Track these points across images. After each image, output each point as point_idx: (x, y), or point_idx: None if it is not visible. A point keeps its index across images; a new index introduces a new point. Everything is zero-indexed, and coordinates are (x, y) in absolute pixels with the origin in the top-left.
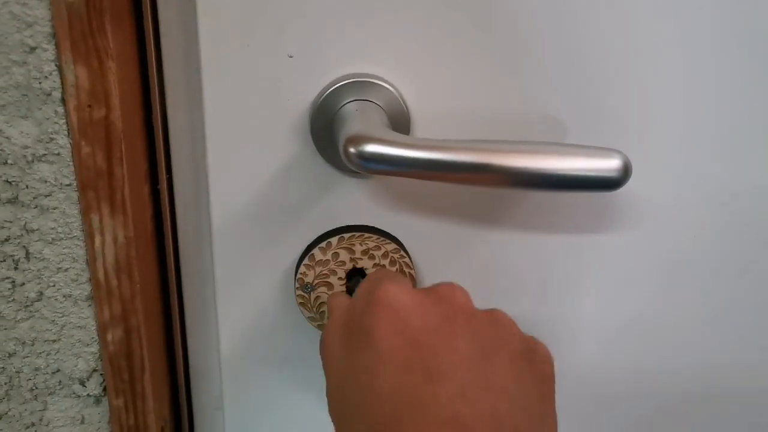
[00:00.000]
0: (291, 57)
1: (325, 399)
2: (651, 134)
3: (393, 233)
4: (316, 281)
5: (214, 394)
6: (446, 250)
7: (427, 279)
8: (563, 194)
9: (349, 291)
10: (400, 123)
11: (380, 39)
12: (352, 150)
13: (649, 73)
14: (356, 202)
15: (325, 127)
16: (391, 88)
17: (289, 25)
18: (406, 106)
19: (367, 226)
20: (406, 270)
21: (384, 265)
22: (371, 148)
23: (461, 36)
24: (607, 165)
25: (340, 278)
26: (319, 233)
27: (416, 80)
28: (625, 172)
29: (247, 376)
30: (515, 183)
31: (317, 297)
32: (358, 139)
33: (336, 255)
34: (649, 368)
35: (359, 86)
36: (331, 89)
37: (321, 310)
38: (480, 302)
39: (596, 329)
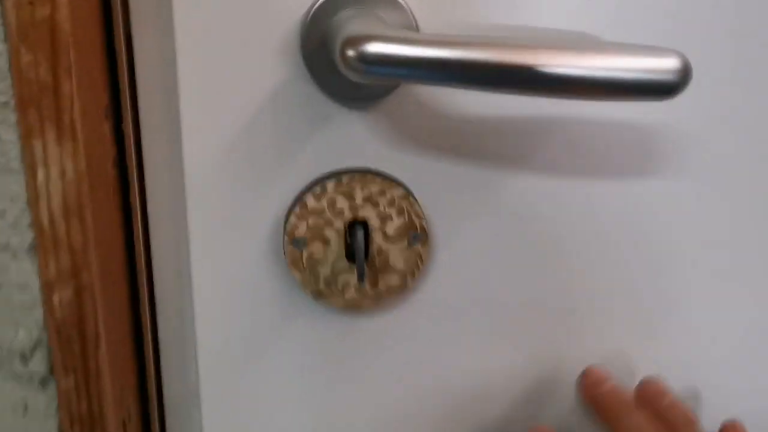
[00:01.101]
0: None
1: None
2: None
3: (399, 177)
4: (308, 235)
5: (189, 381)
6: (462, 197)
7: (439, 231)
8: (600, 125)
9: (349, 249)
10: None
11: None
12: (350, 53)
13: None
14: (356, 140)
15: (318, 46)
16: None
17: None
18: (413, 18)
19: (369, 168)
20: (416, 220)
21: (390, 215)
22: (374, 47)
23: None
24: (661, 64)
25: (337, 231)
26: (312, 177)
27: None
28: (684, 74)
29: (228, 358)
30: (546, 86)
31: (311, 254)
32: (358, 39)
33: (332, 202)
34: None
35: None
36: None
37: (316, 270)
38: (503, 259)
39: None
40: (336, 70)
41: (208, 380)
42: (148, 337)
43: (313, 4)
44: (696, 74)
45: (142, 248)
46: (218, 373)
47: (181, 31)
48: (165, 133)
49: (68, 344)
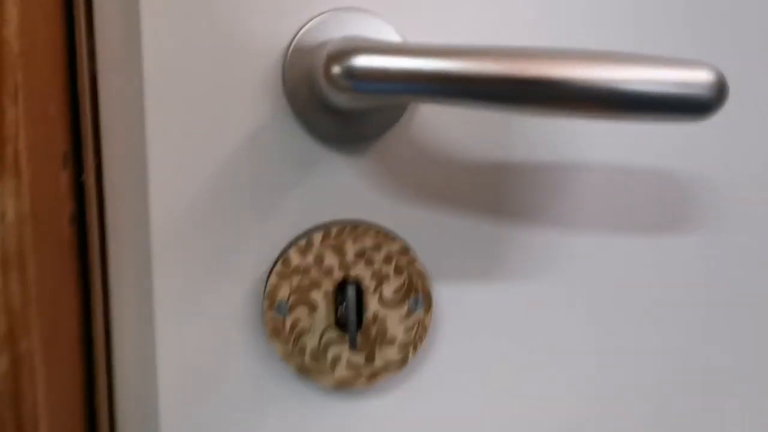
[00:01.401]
0: None
1: None
2: None
3: (397, 231)
4: (292, 298)
5: None
6: (470, 255)
7: (444, 295)
8: (623, 171)
9: (340, 316)
10: None
11: None
12: (336, 69)
13: None
14: (346, 187)
15: (301, 83)
16: (383, 22)
17: None
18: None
19: (362, 220)
20: (417, 281)
21: (387, 274)
22: (362, 60)
23: None
24: (692, 77)
25: (326, 293)
26: (297, 231)
27: (415, 14)
28: (720, 89)
29: None
30: (558, 101)
31: (295, 321)
32: (343, 53)
33: (320, 258)
34: None
35: (344, 21)
36: (308, 25)
37: (301, 341)
38: (519, 327)
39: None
40: (323, 107)
41: None
42: (105, 421)
43: (294, 36)
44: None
45: (100, 316)
46: None
47: (150, 70)
48: (131, 186)
49: (1, 427)
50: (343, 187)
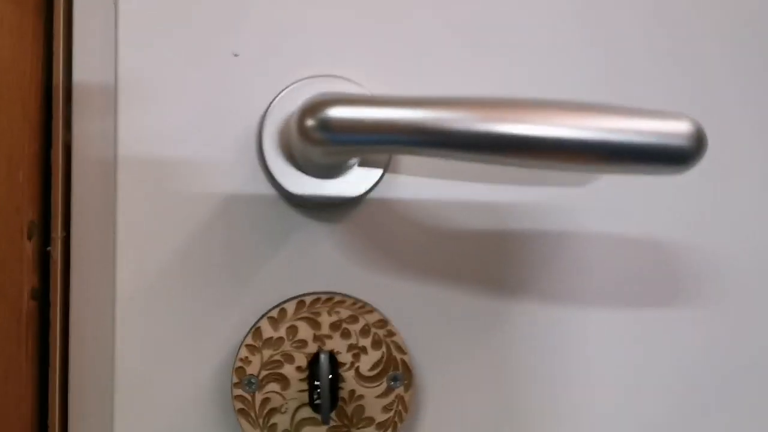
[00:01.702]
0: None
1: None
2: None
3: (375, 304)
4: (263, 372)
5: None
6: (452, 328)
7: (426, 370)
8: (611, 241)
9: (314, 393)
10: None
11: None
12: (310, 122)
13: None
14: (323, 256)
15: (277, 146)
16: (360, 88)
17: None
18: None
19: (337, 291)
20: (397, 355)
21: (364, 347)
22: (337, 111)
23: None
24: (672, 128)
25: (299, 368)
26: (270, 302)
27: (391, 80)
28: (698, 140)
29: None
30: (539, 150)
31: (266, 399)
32: (318, 105)
33: (293, 330)
34: None
35: (320, 88)
36: (283, 93)
37: (271, 420)
38: (506, 405)
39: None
40: (298, 173)
41: None
42: None
43: (270, 104)
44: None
45: (56, 403)
46: None
47: (125, 138)
48: (99, 258)
49: None
50: (319, 256)
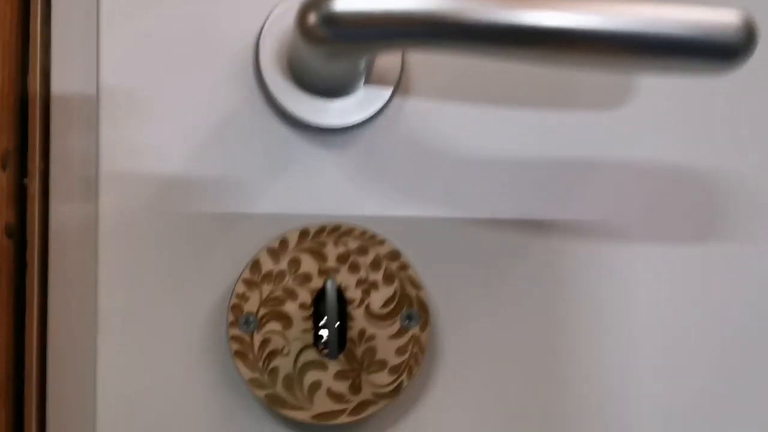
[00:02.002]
0: None
1: None
2: None
3: (384, 235)
4: (262, 310)
5: None
6: (472, 263)
7: (444, 308)
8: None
9: (318, 329)
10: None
11: None
12: (312, 18)
13: None
14: (327, 184)
15: (275, 64)
16: None
17: None
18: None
19: (343, 221)
20: (411, 290)
21: (375, 282)
22: (342, 3)
23: None
24: (719, 19)
25: (302, 305)
26: (269, 235)
27: None
28: (748, 34)
29: None
30: (570, 43)
31: (266, 339)
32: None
33: (295, 263)
34: None
35: None
36: (278, 9)
37: (272, 366)
38: (530, 345)
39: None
40: (298, 92)
41: None
42: None
43: (265, 20)
44: None
45: (35, 350)
46: None
47: (109, 59)
48: (80, 194)
49: None
50: (323, 185)
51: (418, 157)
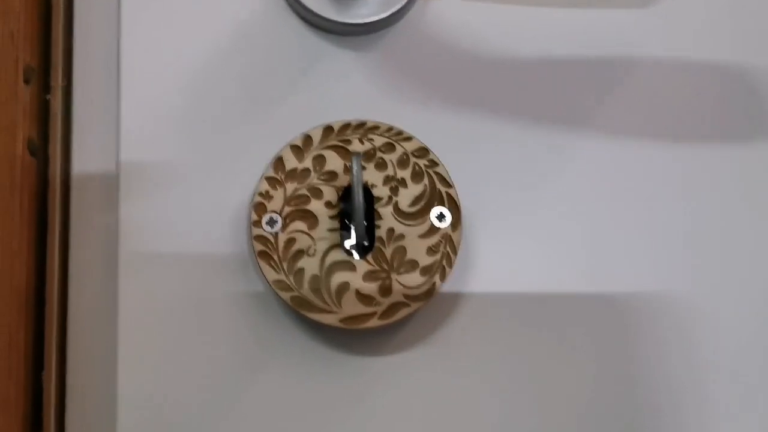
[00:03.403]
0: None
1: None
2: None
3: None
4: (287, 209)
5: None
6: (495, 159)
7: (471, 211)
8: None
9: (345, 228)
10: None
11: None
12: None
13: None
14: (352, 85)
15: None
16: None
17: None
18: None
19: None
20: (442, 188)
21: (403, 179)
22: None
23: None
24: None
25: (328, 203)
26: (292, 135)
27: None
28: None
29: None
30: None
31: (291, 240)
32: None
33: (320, 160)
34: None
35: None
36: None
37: (298, 267)
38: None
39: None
40: None
41: None
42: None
43: None
44: None
45: (56, 269)
46: None
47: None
48: (102, 111)
49: None
50: (346, 88)
51: (442, 58)
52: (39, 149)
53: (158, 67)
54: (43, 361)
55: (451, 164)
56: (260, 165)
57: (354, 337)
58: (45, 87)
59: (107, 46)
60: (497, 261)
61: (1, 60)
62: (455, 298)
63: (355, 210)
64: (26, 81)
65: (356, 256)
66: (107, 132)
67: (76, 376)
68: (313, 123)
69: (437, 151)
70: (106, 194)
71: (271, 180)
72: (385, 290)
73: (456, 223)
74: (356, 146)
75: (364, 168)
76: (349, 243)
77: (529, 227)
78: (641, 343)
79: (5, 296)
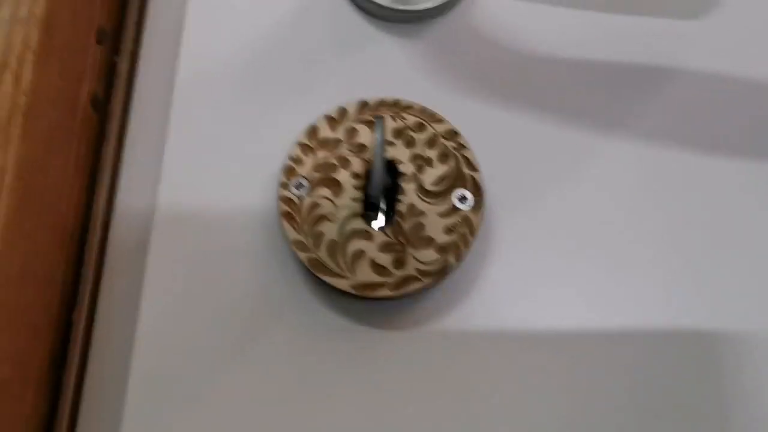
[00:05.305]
0: None
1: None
2: None
3: (449, 118)
4: (315, 175)
5: None
6: (527, 153)
7: (499, 194)
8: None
9: (369, 202)
10: None
11: None
12: None
13: None
14: (395, 68)
15: None
16: None
17: None
18: None
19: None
20: (468, 171)
21: (429, 159)
22: None
23: None
24: None
25: (355, 174)
26: (329, 105)
27: None
28: None
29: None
30: None
31: (315, 204)
32: None
33: (352, 133)
34: None
35: None
36: None
37: (318, 230)
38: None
39: None
40: None
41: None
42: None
43: None
44: None
45: (102, 211)
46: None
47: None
48: (162, 75)
49: None
50: (391, 69)
51: (485, 52)
52: (101, 105)
53: (218, 45)
54: (77, 298)
55: (481, 152)
56: (299, 133)
57: (363, 305)
58: (114, 50)
59: (176, 20)
60: (516, 249)
61: (77, 17)
62: (470, 281)
63: (375, 170)
64: (98, 41)
65: (375, 226)
66: (164, 95)
67: (104, 316)
68: (353, 96)
69: (470, 138)
70: (155, 152)
71: (303, 146)
72: (399, 263)
73: (477, 206)
74: (388, 122)
75: (393, 144)
76: (375, 223)
77: (551, 221)
78: (652, 344)
79: (50, 234)
